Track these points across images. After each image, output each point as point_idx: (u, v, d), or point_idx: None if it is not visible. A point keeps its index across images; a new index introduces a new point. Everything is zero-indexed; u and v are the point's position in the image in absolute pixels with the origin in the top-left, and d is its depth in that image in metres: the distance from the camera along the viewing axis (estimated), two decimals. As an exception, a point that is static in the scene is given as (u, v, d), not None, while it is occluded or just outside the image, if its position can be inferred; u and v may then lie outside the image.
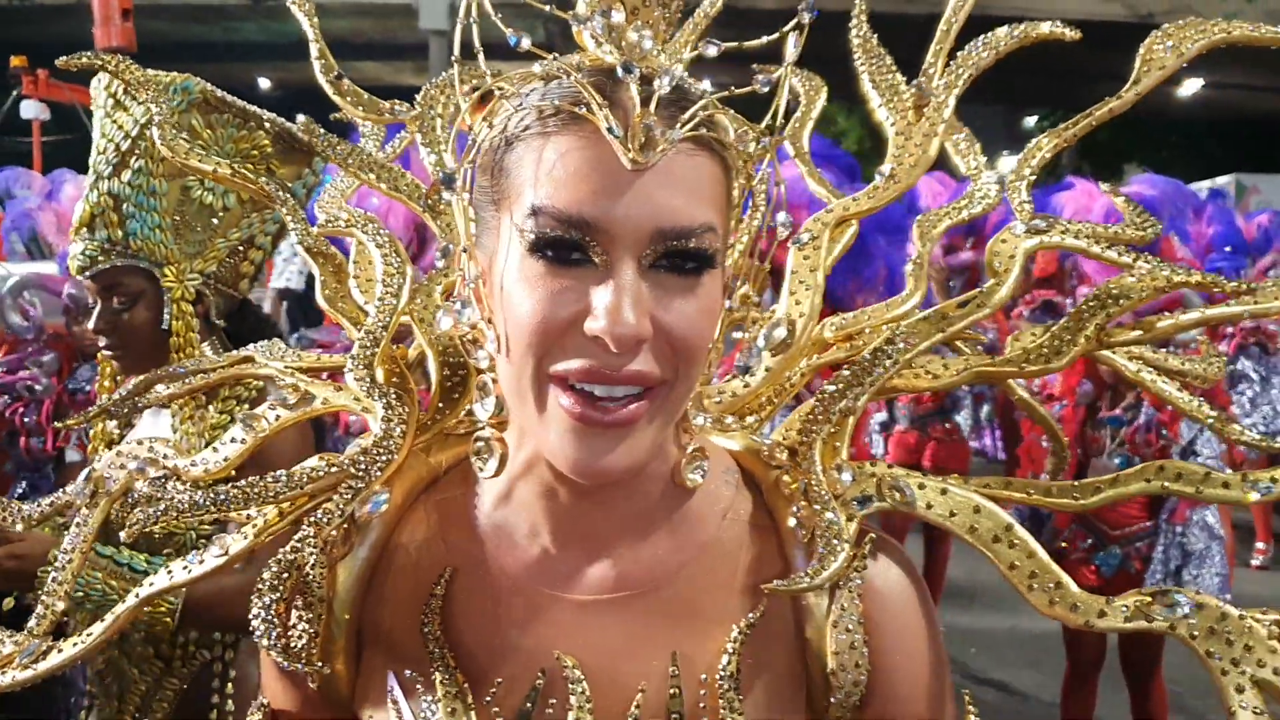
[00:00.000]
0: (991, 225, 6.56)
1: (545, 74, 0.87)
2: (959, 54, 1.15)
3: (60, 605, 1.04)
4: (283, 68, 22.34)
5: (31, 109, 10.99)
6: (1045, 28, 1.16)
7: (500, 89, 0.88)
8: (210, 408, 2.11)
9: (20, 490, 3.86)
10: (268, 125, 2.19)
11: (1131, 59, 1.11)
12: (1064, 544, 4.02)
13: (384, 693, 0.95)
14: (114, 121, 2.12)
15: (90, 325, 2.16)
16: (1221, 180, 14.49)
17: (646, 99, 0.82)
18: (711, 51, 0.92)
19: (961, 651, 5.78)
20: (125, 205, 2.10)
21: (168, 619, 1.93)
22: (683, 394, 0.88)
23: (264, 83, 24.90)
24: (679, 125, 0.82)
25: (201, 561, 0.98)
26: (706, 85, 0.89)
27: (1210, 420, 1.13)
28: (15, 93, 11.12)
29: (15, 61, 10.93)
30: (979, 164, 1.18)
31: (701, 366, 0.88)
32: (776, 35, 0.92)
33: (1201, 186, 13.15)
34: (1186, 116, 21.72)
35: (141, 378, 1.19)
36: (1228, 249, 6.27)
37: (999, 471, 5.95)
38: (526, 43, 0.89)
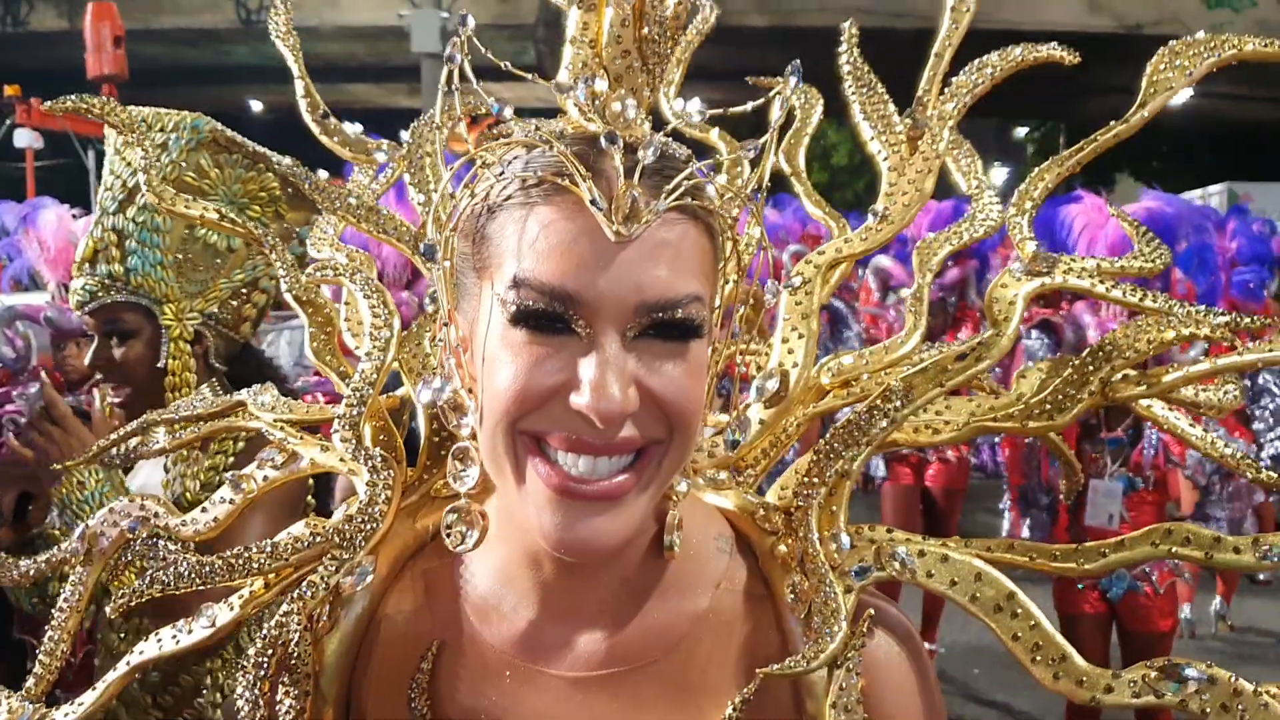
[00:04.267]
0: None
1: (528, 141, 0.85)
2: (954, 80, 1.12)
3: (57, 665, 1.03)
4: (274, 90, 22.38)
5: (25, 137, 11.00)
6: (1044, 50, 1.12)
7: (482, 157, 0.87)
8: (205, 448, 2.08)
9: (7, 521, 3.82)
10: (277, 167, 2.14)
11: (1121, 70, 1.09)
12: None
13: None
14: (123, 158, 2.11)
15: (87, 361, 2.13)
16: (1214, 189, 14.50)
17: (631, 169, 0.80)
18: (696, 118, 0.90)
19: (964, 672, 5.74)
20: (128, 241, 2.08)
21: None
22: (678, 457, 0.85)
23: (255, 105, 24.97)
24: (663, 195, 0.80)
25: (190, 631, 0.97)
26: (689, 151, 0.87)
27: (1227, 457, 1.09)
28: (9, 121, 11.12)
29: (9, 91, 10.93)
30: (980, 183, 1.13)
31: (696, 429, 0.86)
32: (762, 100, 0.90)
33: (1194, 195, 13.15)
34: (1178, 126, 21.79)
35: (136, 422, 1.17)
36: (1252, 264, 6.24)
37: (997, 488, 5.90)
38: (509, 111, 0.87)
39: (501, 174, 0.84)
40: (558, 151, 0.81)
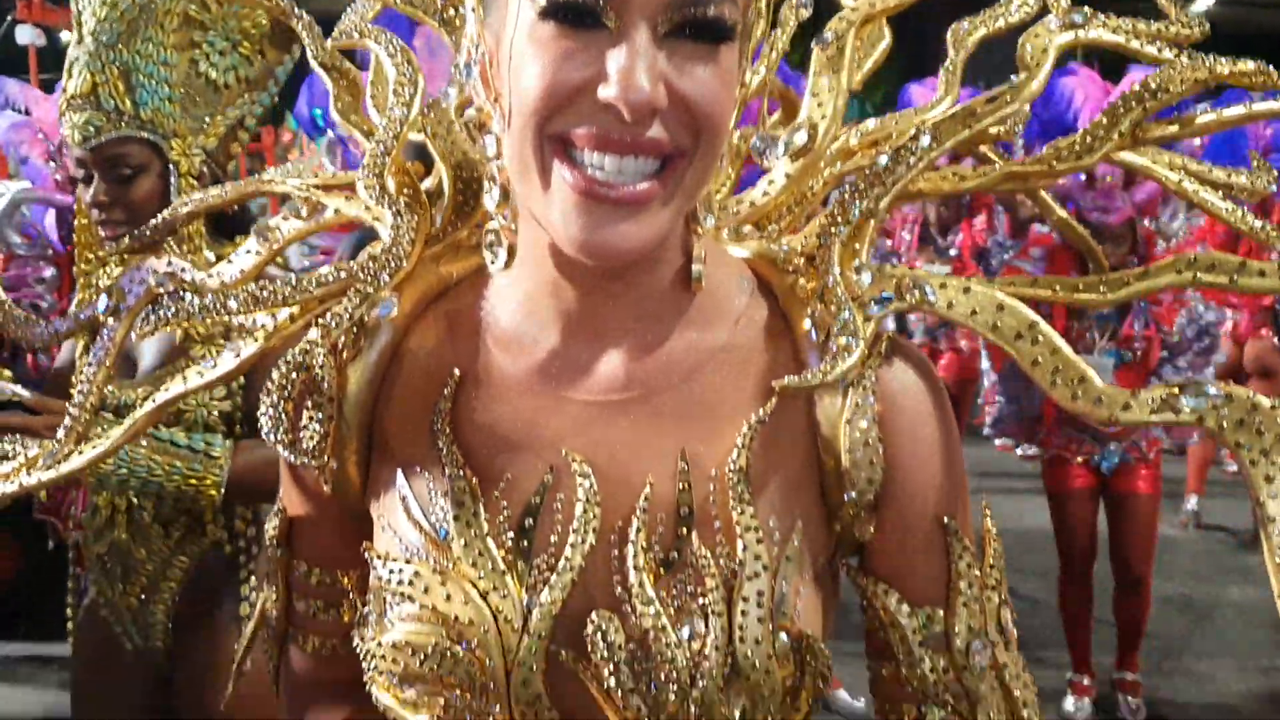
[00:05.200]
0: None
1: None
2: None
3: (86, 417, 1.03)
4: None
5: (26, 34, 10.73)
6: None
7: None
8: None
9: (28, 408, 3.82)
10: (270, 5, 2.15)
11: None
12: (1059, 452, 3.99)
13: (394, 493, 0.94)
14: None
15: (88, 198, 2.09)
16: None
17: None
18: None
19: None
20: (134, 75, 2.06)
21: (213, 491, 1.94)
22: (703, 170, 0.84)
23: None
24: None
25: (215, 365, 0.98)
26: None
27: (1256, 230, 1.05)
28: (10, 17, 10.90)
29: (7, -16, 10.70)
30: None
31: (723, 141, 0.84)
32: None
33: (1213, 104, 12.92)
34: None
35: (168, 209, 1.17)
36: None
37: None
38: None
39: None
40: None
